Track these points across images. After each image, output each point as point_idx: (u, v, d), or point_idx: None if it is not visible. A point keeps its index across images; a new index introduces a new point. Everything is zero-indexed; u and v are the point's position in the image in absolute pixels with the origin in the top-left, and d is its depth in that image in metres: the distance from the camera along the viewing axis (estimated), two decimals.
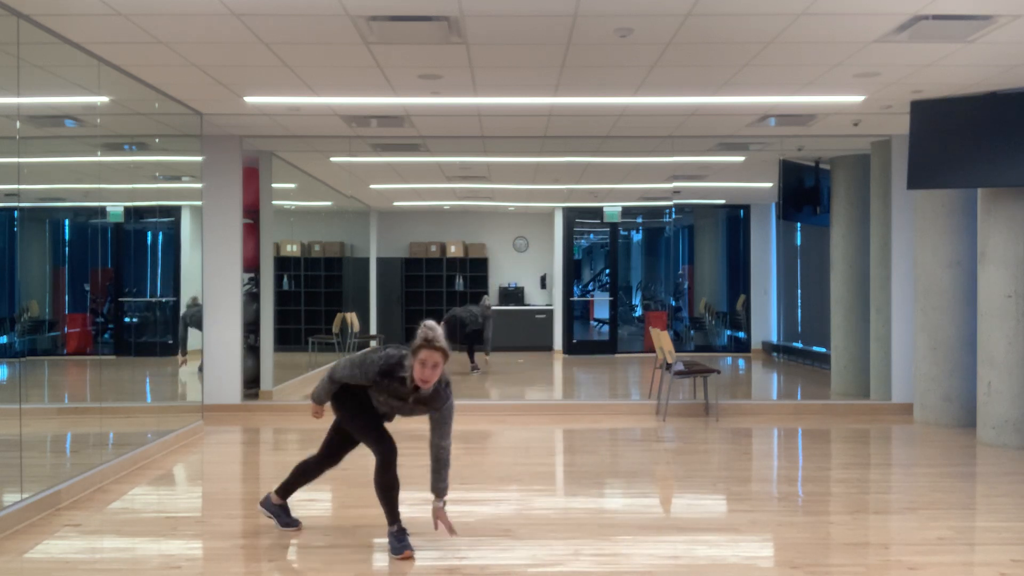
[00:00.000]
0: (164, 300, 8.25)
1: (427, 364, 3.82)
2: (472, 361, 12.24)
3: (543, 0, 4.68)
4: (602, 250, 16.89)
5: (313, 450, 4.48)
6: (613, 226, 15.28)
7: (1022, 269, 6.89)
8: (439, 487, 4.04)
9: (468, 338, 12.21)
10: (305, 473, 4.44)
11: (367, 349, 4.18)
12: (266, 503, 4.56)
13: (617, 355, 14.39)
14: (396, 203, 14.79)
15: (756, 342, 14.72)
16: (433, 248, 15.91)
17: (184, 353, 8.51)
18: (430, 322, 3.90)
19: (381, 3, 4.73)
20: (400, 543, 4.08)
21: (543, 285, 15.93)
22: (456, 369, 12.69)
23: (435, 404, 3.98)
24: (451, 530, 4.08)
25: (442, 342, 3.85)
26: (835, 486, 5.60)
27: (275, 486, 4.64)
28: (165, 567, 3.98)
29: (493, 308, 15.81)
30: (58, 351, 7.23)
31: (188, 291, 8.32)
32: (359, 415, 4.15)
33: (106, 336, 7.83)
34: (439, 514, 4.04)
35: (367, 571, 3.93)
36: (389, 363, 3.94)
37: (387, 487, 4.08)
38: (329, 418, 4.39)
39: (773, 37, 5.35)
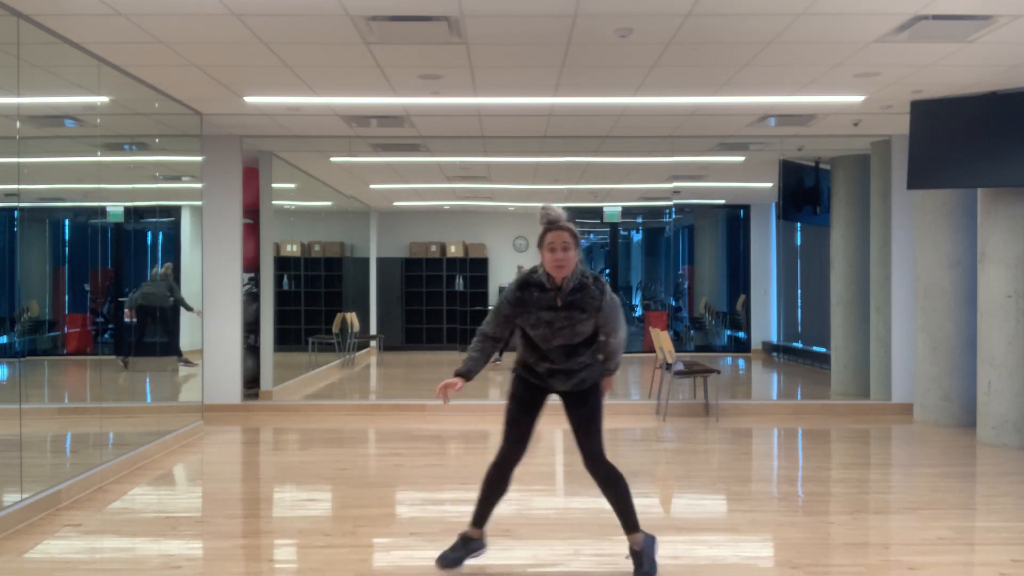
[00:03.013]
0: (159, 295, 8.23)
1: (556, 247, 3.54)
2: None
3: (543, 0, 4.68)
4: (602, 250, 16.89)
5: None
6: (613, 226, 15.28)
7: (1022, 269, 6.88)
8: (605, 369, 3.79)
9: None
10: (490, 483, 3.84)
11: None
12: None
13: None
14: (396, 203, 14.79)
15: (756, 342, 14.72)
16: (433, 248, 15.91)
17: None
18: (548, 204, 3.64)
19: (381, 3, 4.73)
20: (452, 554, 3.81)
21: None
22: None
23: (591, 303, 3.59)
24: (605, 389, 3.84)
25: (565, 221, 3.58)
26: (835, 486, 5.60)
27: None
28: (165, 567, 3.98)
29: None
30: (58, 351, 7.24)
31: (188, 291, 8.31)
32: (514, 400, 3.79)
33: (106, 336, 7.84)
34: (606, 382, 3.84)
35: (367, 571, 3.93)
36: (522, 276, 3.67)
37: (492, 483, 3.78)
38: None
39: (773, 37, 5.35)
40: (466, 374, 3.67)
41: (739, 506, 5.05)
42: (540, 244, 3.60)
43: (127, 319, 7.84)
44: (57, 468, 6.00)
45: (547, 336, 3.62)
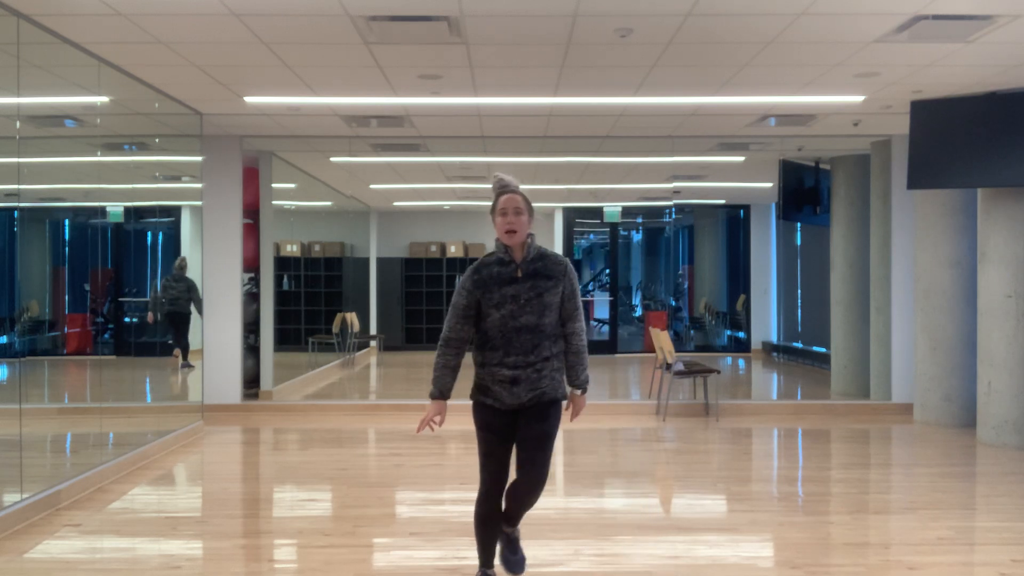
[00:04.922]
0: (181, 299, 8.23)
1: (508, 211, 3.40)
2: None
3: (543, 0, 4.68)
4: (602, 250, 16.90)
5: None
6: (613, 226, 15.29)
7: (1022, 269, 6.88)
8: (578, 380, 3.54)
9: None
10: (486, 521, 3.54)
11: None
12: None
13: (617, 355, 14.39)
14: (396, 203, 14.79)
15: (756, 342, 14.72)
16: (433, 248, 15.91)
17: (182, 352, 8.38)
18: (500, 173, 3.50)
19: (381, 3, 4.73)
20: None
21: None
22: None
23: (556, 268, 3.47)
24: (573, 416, 3.60)
25: (517, 186, 3.46)
26: (835, 486, 5.60)
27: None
28: (165, 567, 3.98)
29: None
30: (58, 351, 7.24)
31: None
32: (485, 431, 3.48)
33: (106, 336, 7.84)
34: (575, 400, 3.59)
35: (367, 571, 3.93)
36: (476, 263, 3.49)
37: (483, 519, 3.50)
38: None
39: (773, 37, 5.35)
40: (440, 395, 3.45)
41: (739, 506, 5.05)
42: (492, 210, 3.46)
43: (149, 322, 7.88)
44: (57, 468, 6.00)
45: (515, 313, 3.37)
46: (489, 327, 3.42)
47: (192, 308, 8.19)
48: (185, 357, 8.36)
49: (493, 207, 3.46)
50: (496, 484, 3.47)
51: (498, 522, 3.54)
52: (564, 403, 3.58)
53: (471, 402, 3.53)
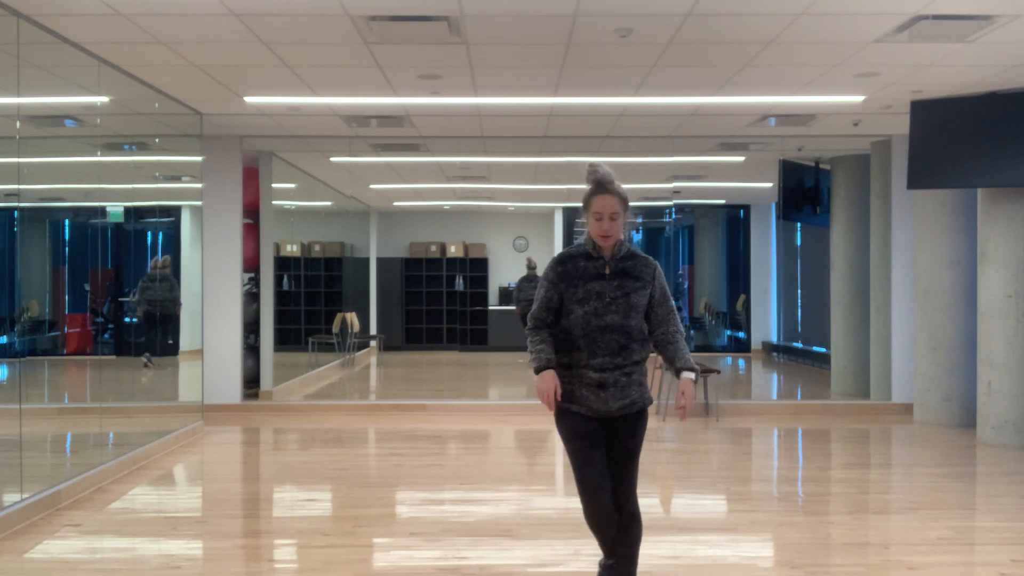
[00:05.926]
0: (164, 300, 8.24)
1: (604, 215, 3.12)
2: None
3: (543, 0, 4.68)
4: None
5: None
6: None
7: (1022, 269, 6.88)
8: (682, 366, 3.21)
9: None
10: (599, 525, 3.29)
11: None
12: None
13: None
14: (396, 203, 14.79)
15: (756, 342, 14.72)
16: (433, 248, 15.91)
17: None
18: (597, 162, 3.20)
19: (381, 3, 4.73)
20: None
21: None
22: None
23: (646, 270, 3.21)
24: (683, 413, 3.23)
25: (617, 184, 3.15)
26: (835, 486, 5.60)
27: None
28: (165, 567, 3.98)
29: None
30: (58, 351, 7.24)
31: (188, 291, 8.32)
32: (576, 440, 3.22)
33: (106, 336, 7.84)
34: (687, 386, 3.20)
35: (367, 571, 3.94)
36: (561, 254, 3.27)
37: (595, 523, 3.25)
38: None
39: (773, 37, 5.35)
40: (548, 363, 3.20)
41: (739, 506, 5.05)
42: (585, 207, 3.20)
43: (137, 319, 7.83)
44: (57, 468, 6.00)
45: (599, 311, 3.14)
46: (572, 324, 3.19)
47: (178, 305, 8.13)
48: (175, 353, 8.31)
49: (586, 204, 3.19)
50: (600, 498, 3.21)
51: (612, 519, 3.27)
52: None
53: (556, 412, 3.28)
